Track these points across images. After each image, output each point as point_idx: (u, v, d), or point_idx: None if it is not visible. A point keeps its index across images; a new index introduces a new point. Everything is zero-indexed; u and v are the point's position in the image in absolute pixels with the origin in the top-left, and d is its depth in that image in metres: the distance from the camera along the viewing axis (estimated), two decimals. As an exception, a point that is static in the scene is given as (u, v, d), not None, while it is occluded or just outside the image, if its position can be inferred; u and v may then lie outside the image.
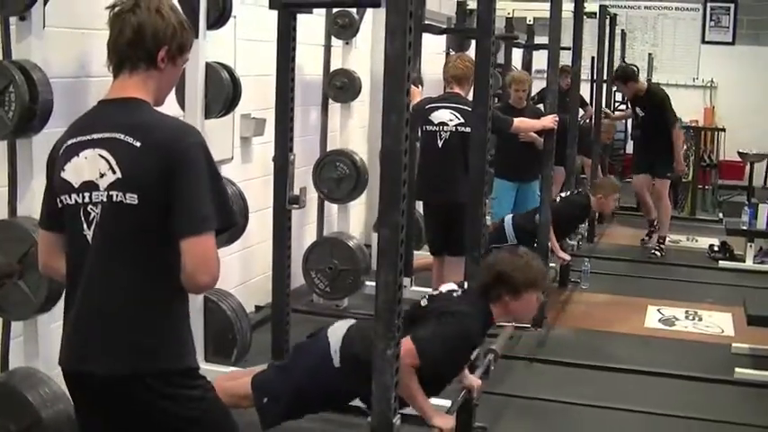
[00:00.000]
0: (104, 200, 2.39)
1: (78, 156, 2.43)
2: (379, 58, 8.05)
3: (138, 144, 2.37)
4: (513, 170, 7.63)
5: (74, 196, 2.43)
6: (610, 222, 10.55)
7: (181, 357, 2.46)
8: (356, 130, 7.24)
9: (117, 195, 2.38)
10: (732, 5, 14.17)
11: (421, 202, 6.41)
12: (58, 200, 2.46)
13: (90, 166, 2.41)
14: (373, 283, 6.53)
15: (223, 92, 4.61)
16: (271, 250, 4.73)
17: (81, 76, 4.46)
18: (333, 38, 6.63)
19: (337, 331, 3.72)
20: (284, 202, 4.48)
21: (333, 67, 6.67)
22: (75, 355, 2.45)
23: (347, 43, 6.58)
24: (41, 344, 3.68)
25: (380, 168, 2.96)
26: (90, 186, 2.41)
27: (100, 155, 2.40)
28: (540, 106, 7.42)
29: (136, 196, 2.36)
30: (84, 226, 2.42)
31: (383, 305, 2.99)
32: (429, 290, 6.06)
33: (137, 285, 2.41)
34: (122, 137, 2.38)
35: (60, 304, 3.79)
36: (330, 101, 6.73)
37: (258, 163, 6.11)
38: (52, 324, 3.72)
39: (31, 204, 3.59)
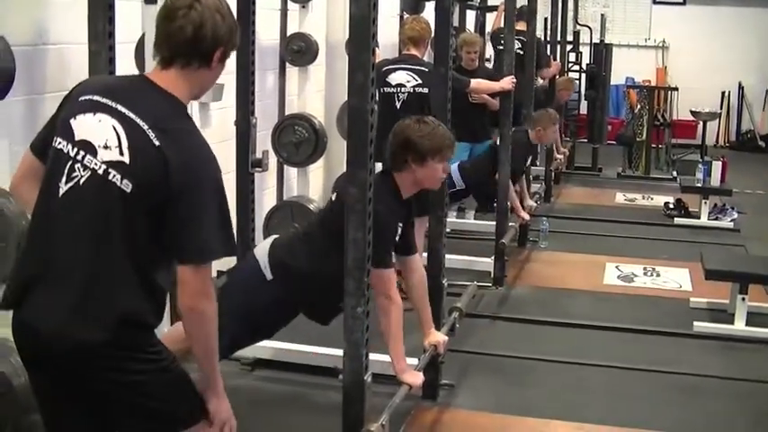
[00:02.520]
0: (97, 170, 2.35)
1: (94, 114, 2.39)
2: (335, 22, 8.04)
3: (158, 144, 2.34)
4: (466, 131, 7.60)
5: (69, 146, 2.39)
6: (566, 182, 10.66)
7: (140, 326, 2.43)
8: (313, 93, 7.22)
9: (113, 175, 2.34)
10: (683, -34, 14.29)
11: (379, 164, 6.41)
12: (55, 139, 2.42)
13: (99, 131, 2.37)
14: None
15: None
16: (231, 215, 4.70)
17: (38, 43, 4.40)
18: (289, 2, 6.59)
19: (261, 248, 3.77)
20: (247, 166, 4.48)
21: (289, 32, 6.64)
22: (33, 318, 2.38)
23: (303, 7, 6.56)
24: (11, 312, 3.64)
25: (347, 127, 2.98)
26: (88, 148, 2.37)
27: (114, 127, 2.36)
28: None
29: (131, 185, 2.33)
30: (63, 179, 2.37)
31: (353, 263, 3.02)
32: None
33: (104, 257, 2.35)
34: (146, 128, 2.35)
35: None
36: (287, 65, 6.71)
37: (217, 128, 6.07)
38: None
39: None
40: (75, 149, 2.38)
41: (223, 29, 2.43)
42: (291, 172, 6.96)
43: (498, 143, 6.62)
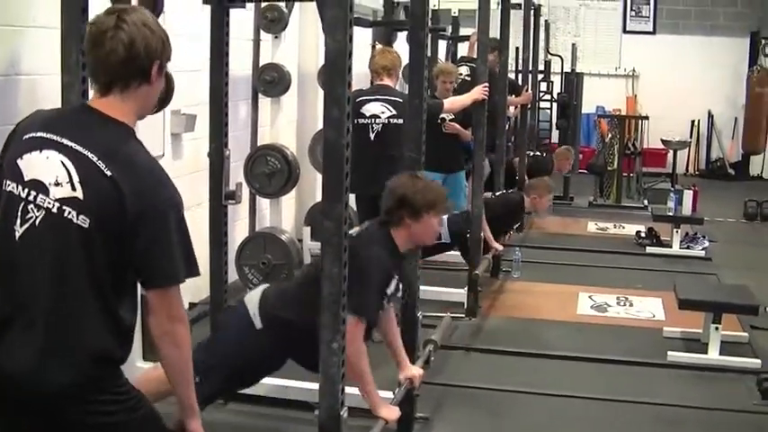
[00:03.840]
0: (51, 208, 2.31)
1: (41, 152, 2.34)
2: (307, 52, 8.03)
3: (109, 174, 2.30)
4: (439, 161, 7.58)
5: (19, 188, 2.34)
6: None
7: (106, 366, 2.39)
8: (285, 124, 7.20)
9: (68, 212, 2.30)
10: (652, -4, 14.44)
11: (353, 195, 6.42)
12: (4, 182, 2.37)
13: (47, 168, 2.32)
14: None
15: (155, 88, 4.54)
16: (204, 247, 4.65)
17: (11, 74, 4.36)
18: (261, 32, 6.58)
19: (253, 297, 3.74)
20: (221, 198, 4.45)
21: (261, 62, 6.63)
22: None
23: (276, 37, 6.56)
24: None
25: (323, 161, 2.96)
26: (39, 187, 2.32)
27: (62, 162, 2.31)
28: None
29: (88, 221, 2.30)
30: (18, 222, 2.33)
31: (329, 297, 2.98)
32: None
33: (61, 300, 2.32)
34: (95, 159, 2.31)
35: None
36: (259, 95, 6.69)
37: (189, 159, 6.06)
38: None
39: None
40: (27, 190, 2.33)
41: (154, 41, 2.39)
42: (263, 203, 6.93)
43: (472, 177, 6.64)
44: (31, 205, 2.33)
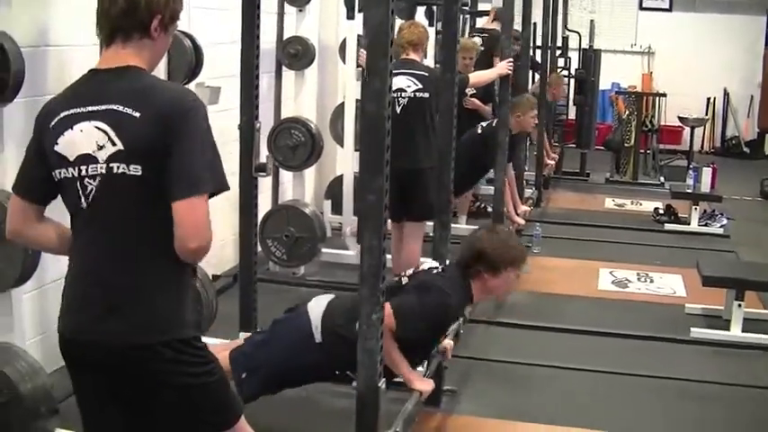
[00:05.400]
0: (104, 172, 2.36)
1: (72, 129, 2.37)
2: (327, 26, 8.00)
3: (137, 114, 2.33)
4: (458, 136, 7.65)
5: (70, 170, 2.39)
6: (555, 187, 10.69)
7: (188, 327, 2.46)
8: (308, 97, 7.20)
9: (119, 167, 2.34)
10: (669, -28, 14.35)
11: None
12: (54, 174, 2.42)
13: (86, 139, 2.36)
14: (330, 250, 6.60)
15: (185, 60, 4.57)
16: (227, 218, 4.66)
17: (41, 44, 4.38)
18: (285, 4, 6.58)
19: (317, 307, 3.74)
20: (251, 170, 4.46)
21: (285, 35, 6.63)
22: (81, 325, 2.42)
23: (300, 10, 6.55)
24: (15, 317, 3.63)
25: (363, 134, 2.97)
26: (87, 159, 2.37)
27: (97, 127, 2.35)
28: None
29: (140, 167, 2.33)
30: (82, 200, 2.39)
31: (368, 270, 3.01)
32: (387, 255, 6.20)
33: (140, 258, 2.39)
34: (120, 108, 2.35)
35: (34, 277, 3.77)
36: (283, 68, 6.70)
37: (214, 131, 6.05)
38: (24, 296, 3.67)
39: (3, 178, 3.53)
40: (77, 168, 2.39)
41: None
42: (285, 176, 6.95)
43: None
44: (87, 179, 2.37)
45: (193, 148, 2.34)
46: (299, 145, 6.41)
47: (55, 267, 4.25)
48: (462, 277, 3.79)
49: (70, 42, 4.51)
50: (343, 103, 7.26)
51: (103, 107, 2.36)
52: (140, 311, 2.38)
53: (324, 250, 6.56)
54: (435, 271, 3.84)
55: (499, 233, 3.87)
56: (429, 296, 3.62)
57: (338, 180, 7.41)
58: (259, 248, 6.28)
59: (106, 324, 2.37)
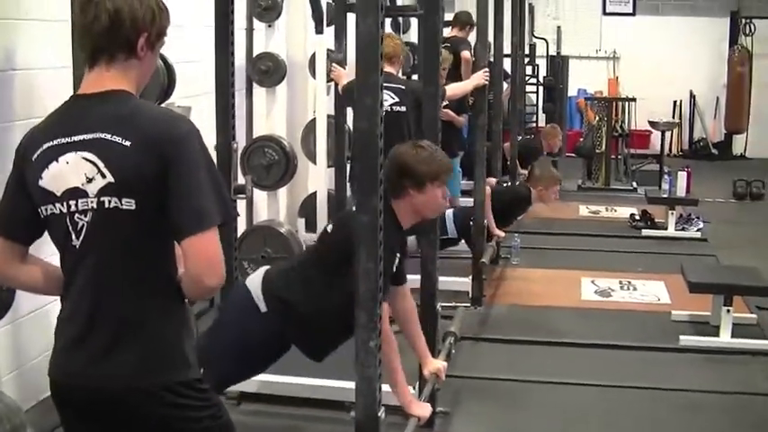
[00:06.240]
0: (95, 206, 2.19)
1: (58, 161, 2.20)
2: (295, 41, 7.86)
3: (127, 143, 2.16)
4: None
5: (57, 206, 2.21)
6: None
7: (189, 367, 2.30)
8: (280, 114, 7.07)
9: (110, 201, 2.18)
10: (632, -24, 14.37)
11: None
12: (40, 210, 2.25)
13: (74, 172, 2.19)
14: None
15: (157, 80, 4.40)
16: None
17: (6, 69, 4.22)
18: (254, 20, 6.45)
19: (255, 279, 3.58)
20: (230, 193, 4.30)
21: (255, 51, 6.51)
22: (75, 367, 2.25)
23: (270, 26, 6.41)
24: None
25: (355, 153, 2.85)
26: (75, 193, 2.19)
27: (84, 158, 2.18)
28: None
29: (133, 201, 2.17)
30: (73, 236, 2.22)
31: (365, 294, 2.89)
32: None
33: (138, 295, 2.23)
34: (109, 136, 2.17)
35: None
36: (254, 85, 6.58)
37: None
38: (-1, 334, 3.52)
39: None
40: (65, 203, 2.21)
41: (142, 11, 2.23)
42: (259, 195, 6.81)
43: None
44: (77, 214, 2.21)
45: (193, 179, 2.17)
46: (272, 164, 6.27)
47: (29, 301, 4.10)
48: (385, 204, 3.63)
49: (38, 66, 4.36)
50: (314, 119, 7.14)
51: (90, 136, 2.19)
52: (138, 352, 2.22)
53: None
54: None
55: (423, 147, 3.67)
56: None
57: (311, 197, 7.27)
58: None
59: (102, 366, 2.21)
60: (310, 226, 7.13)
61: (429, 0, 4.00)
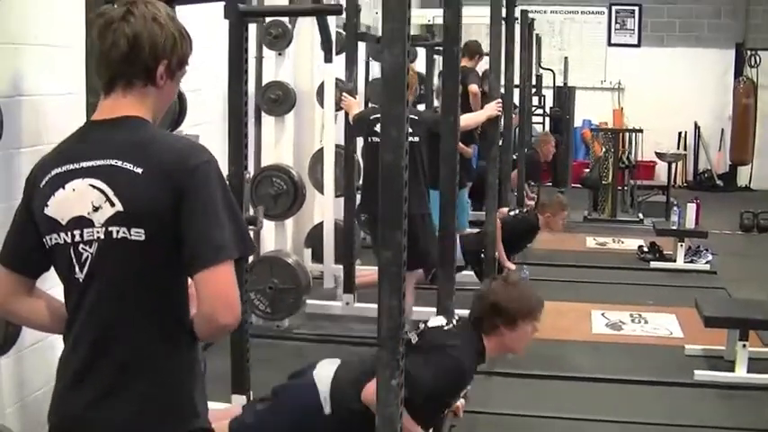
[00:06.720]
0: (101, 237, 2.07)
1: (64, 188, 2.10)
2: (303, 70, 7.82)
3: (139, 170, 2.06)
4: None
5: (62, 235, 2.10)
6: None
7: (194, 417, 2.17)
8: (288, 143, 7.01)
9: (119, 231, 2.06)
10: (637, 8, 14.38)
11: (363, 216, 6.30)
12: (45, 240, 2.13)
13: (80, 199, 2.08)
14: (314, 301, 6.38)
15: (169, 108, 4.33)
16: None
17: (13, 95, 4.15)
18: (264, 49, 6.41)
19: (324, 376, 3.50)
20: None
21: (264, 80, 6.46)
22: (72, 411, 2.12)
23: (280, 54, 6.36)
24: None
25: (381, 185, 2.77)
26: (81, 223, 2.08)
27: (92, 185, 2.07)
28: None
29: (143, 231, 2.05)
30: (77, 269, 2.10)
31: (387, 332, 2.79)
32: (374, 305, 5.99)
33: (144, 335, 2.10)
34: (120, 163, 2.07)
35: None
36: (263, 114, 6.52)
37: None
38: (1, 362, 3.42)
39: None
40: (70, 233, 2.10)
41: (162, 38, 2.14)
42: (266, 224, 6.73)
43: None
44: (82, 245, 2.09)
45: (210, 210, 2.05)
46: (281, 193, 6.20)
47: (33, 333, 3.98)
48: (476, 334, 3.58)
49: (45, 92, 4.29)
50: (321, 148, 7.09)
51: (99, 162, 2.08)
52: (142, 398, 2.09)
53: (308, 302, 6.34)
54: (446, 328, 3.62)
55: (514, 283, 3.68)
56: (441, 359, 3.42)
57: (318, 228, 7.21)
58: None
59: (102, 411, 2.08)
60: (317, 256, 7.07)
61: (449, 31, 3.93)
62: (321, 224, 7.10)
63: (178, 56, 2.19)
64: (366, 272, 6.70)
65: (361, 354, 3.81)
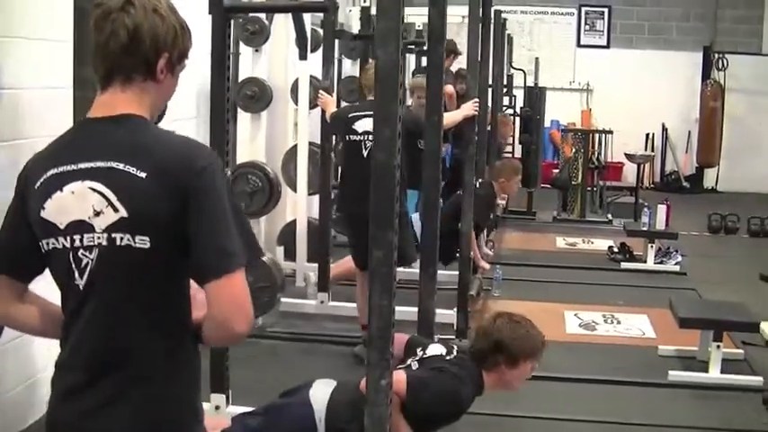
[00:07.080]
0: (103, 243, 1.98)
1: (62, 190, 2.00)
2: (277, 66, 7.79)
3: (143, 175, 1.97)
4: (418, 178, 7.47)
5: (60, 240, 2.01)
6: (502, 227, 10.56)
7: (196, 423, 2.12)
8: (262, 140, 6.99)
9: (122, 238, 1.97)
10: (606, 10, 14.46)
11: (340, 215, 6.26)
12: (41, 244, 2.05)
13: (79, 203, 1.99)
14: (288, 300, 6.34)
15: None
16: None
17: (-7, 87, 4.10)
18: (241, 45, 6.37)
19: (319, 395, 3.47)
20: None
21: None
22: (69, 419, 2.05)
23: (257, 50, 6.33)
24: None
25: (372, 184, 2.76)
26: (80, 227, 1.99)
27: (92, 188, 1.98)
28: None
29: (148, 239, 1.97)
30: (76, 275, 2.01)
31: (377, 332, 2.77)
32: (352, 304, 5.96)
33: (148, 343, 2.03)
34: (122, 166, 1.98)
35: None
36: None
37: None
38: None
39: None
40: (68, 238, 2.01)
41: (163, 30, 2.05)
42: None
43: (462, 193, 6.45)
44: (81, 250, 2.00)
45: (217, 215, 1.98)
46: (256, 191, 6.19)
47: (7, 330, 3.92)
48: (476, 368, 3.59)
49: (26, 85, 4.24)
50: (295, 145, 7.06)
51: (99, 164, 1.99)
52: (143, 407, 2.02)
53: (283, 300, 6.32)
54: (448, 357, 3.62)
55: (519, 322, 3.67)
56: (445, 380, 3.43)
57: (291, 225, 7.19)
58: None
59: (101, 420, 2.00)
60: (289, 254, 7.04)
61: (434, 30, 3.92)
62: (294, 222, 7.07)
63: (179, 49, 2.11)
64: (338, 263, 6.67)
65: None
